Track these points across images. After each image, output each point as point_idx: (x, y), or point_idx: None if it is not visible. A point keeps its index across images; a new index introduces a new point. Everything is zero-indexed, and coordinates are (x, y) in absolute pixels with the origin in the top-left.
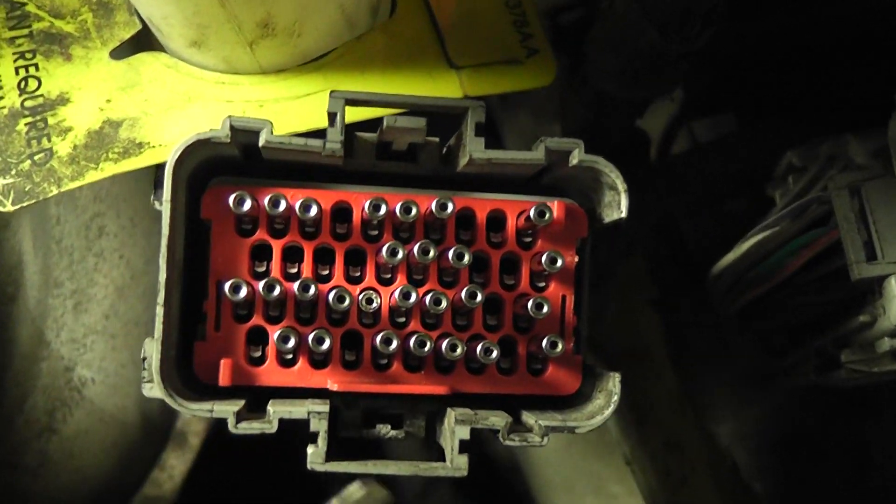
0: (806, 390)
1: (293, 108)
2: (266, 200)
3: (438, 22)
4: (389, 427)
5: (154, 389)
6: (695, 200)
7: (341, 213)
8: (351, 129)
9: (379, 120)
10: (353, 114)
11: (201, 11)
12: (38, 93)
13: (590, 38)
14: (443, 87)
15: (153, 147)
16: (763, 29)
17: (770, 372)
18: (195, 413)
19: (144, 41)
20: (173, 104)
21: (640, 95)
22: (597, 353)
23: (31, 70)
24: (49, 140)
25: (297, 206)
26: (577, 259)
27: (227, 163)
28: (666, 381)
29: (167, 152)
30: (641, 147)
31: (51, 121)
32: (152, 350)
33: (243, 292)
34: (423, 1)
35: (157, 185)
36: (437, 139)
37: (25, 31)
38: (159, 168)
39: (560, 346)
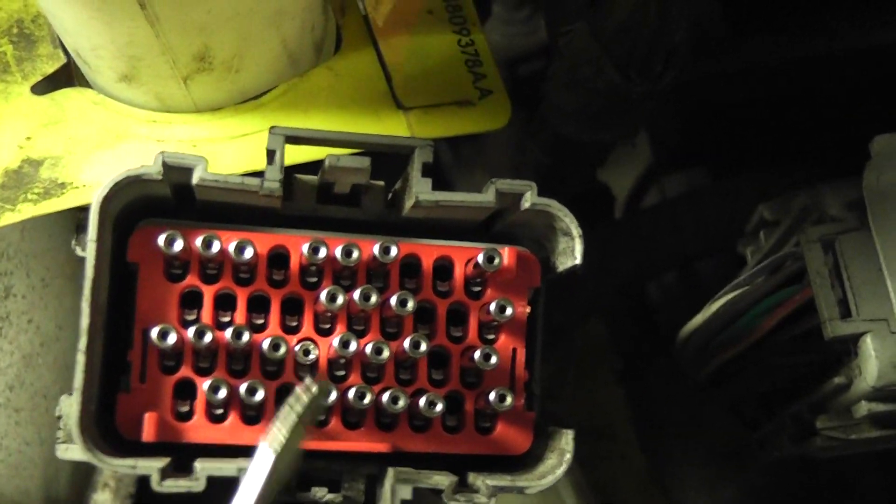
0: (782, 468)
1: (229, 149)
2: (199, 241)
3: (386, 60)
4: (326, 491)
5: (70, 450)
6: (661, 260)
7: (278, 258)
8: (291, 172)
9: (321, 163)
10: (294, 156)
11: (135, 42)
12: None
13: (548, 75)
14: (390, 129)
15: (76, 188)
16: (730, 72)
17: (744, 447)
18: (117, 469)
19: (68, 76)
20: (100, 143)
21: (601, 138)
22: (549, 414)
23: None
24: None
25: (231, 249)
26: (529, 310)
27: (157, 204)
28: (632, 461)
29: (91, 194)
30: (603, 200)
31: None
32: (70, 405)
33: (171, 339)
34: (371, 38)
35: (80, 229)
36: (382, 183)
37: None
38: (82, 211)
39: (509, 400)
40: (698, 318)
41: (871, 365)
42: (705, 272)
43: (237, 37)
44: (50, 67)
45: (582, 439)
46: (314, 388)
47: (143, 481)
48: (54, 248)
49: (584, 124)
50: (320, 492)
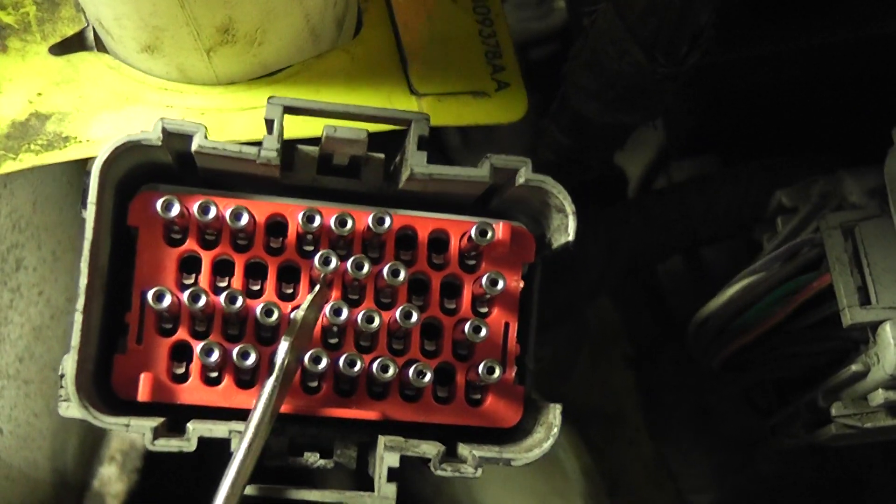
0: (791, 457)
1: (236, 120)
2: (196, 207)
3: (404, 45)
4: (318, 456)
5: (70, 408)
6: (672, 243)
7: (276, 226)
8: (294, 144)
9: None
10: (298, 130)
11: (159, 12)
12: None
13: (570, 55)
14: None
15: (79, 142)
16: (752, 57)
17: (755, 436)
18: (111, 426)
19: (88, 41)
20: (108, 104)
21: (623, 120)
22: (543, 389)
23: None
24: None
25: (227, 215)
26: (522, 284)
27: (159, 171)
28: (641, 447)
29: (94, 148)
30: (619, 184)
31: None
32: (69, 364)
33: (167, 301)
34: (391, 22)
35: (86, 192)
36: (381, 155)
37: None
38: (87, 173)
39: (497, 373)
40: (713, 304)
41: (890, 353)
42: (717, 259)
43: (261, 9)
44: (70, 30)
45: (591, 424)
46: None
47: (149, 455)
48: (65, 221)
49: (607, 105)
50: (312, 457)
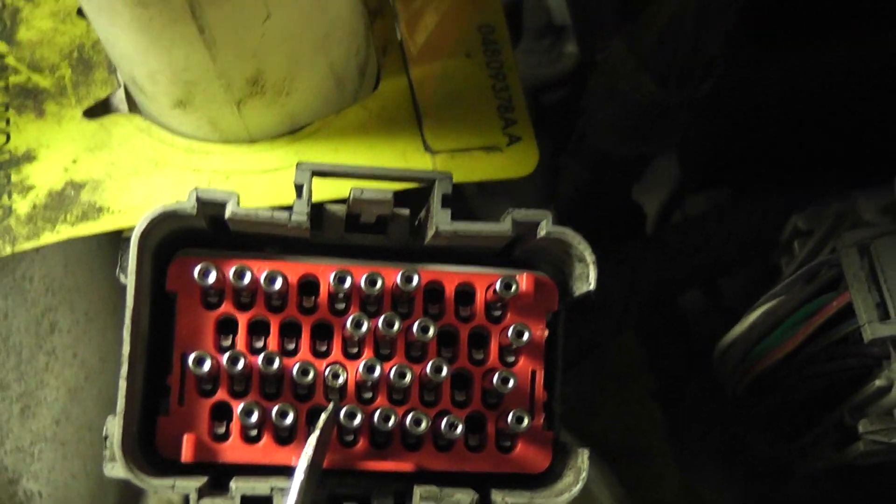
0: (822, 482)
1: (260, 182)
2: (231, 272)
3: (419, 102)
4: None
5: (116, 468)
6: (692, 274)
7: (308, 286)
8: (321, 204)
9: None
10: (324, 192)
11: (191, 67)
12: (5, 147)
13: (587, 90)
14: None
15: (112, 213)
16: (760, 79)
17: (783, 464)
18: (157, 489)
19: (120, 104)
20: (139, 169)
21: (640, 150)
22: (570, 427)
23: (1, 125)
24: (10, 197)
25: (262, 279)
26: (547, 333)
27: (194, 234)
28: (669, 481)
29: (126, 218)
30: (637, 219)
31: (14, 178)
32: (114, 427)
33: (207, 365)
34: (407, 79)
35: (123, 257)
36: (406, 211)
37: (1, 84)
38: (124, 241)
39: (526, 422)
40: (736, 330)
41: None
42: (735, 289)
43: (288, 59)
44: (104, 92)
45: (620, 459)
46: (329, 406)
47: None
48: (96, 282)
49: (624, 137)
50: None
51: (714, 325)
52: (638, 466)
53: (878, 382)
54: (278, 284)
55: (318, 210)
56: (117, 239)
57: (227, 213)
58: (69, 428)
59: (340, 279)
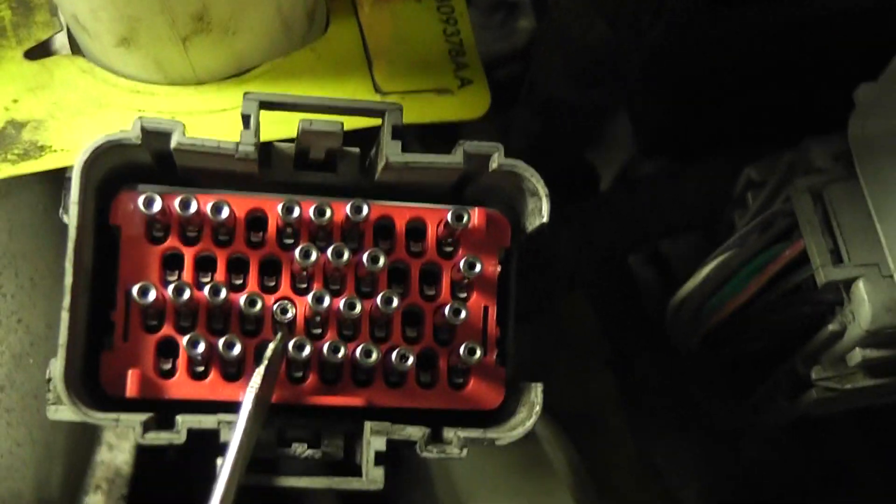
0: (778, 443)
1: (207, 122)
2: (177, 202)
3: (369, 45)
4: (306, 446)
5: (59, 410)
6: (640, 234)
7: (256, 221)
8: (269, 143)
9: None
10: (274, 131)
11: (134, 1)
12: None
13: (536, 37)
14: None
15: (55, 151)
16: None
17: (738, 424)
18: (101, 422)
19: (62, 45)
20: (82, 110)
21: (591, 97)
22: (524, 372)
23: None
24: None
25: (208, 209)
26: (499, 269)
27: (140, 172)
28: (624, 448)
29: (69, 157)
30: (589, 180)
31: None
32: (56, 366)
33: (152, 296)
34: (357, 22)
35: (66, 196)
36: (356, 150)
37: None
38: (67, 179)
39: (478, 354)
40: (689, 284)
41: (864, 308)
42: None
43: None
44: (45, 34)
45: (573, 427)
46: (276, 337)
47: (136, 481)
48: (42, 247)
49: (575, 82)
50: (300, 447)
51: (663, 289)
52: (592, 433)
53: (830, 327)
54: (225, 213)
55: (266, 148)
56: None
57: (173, 143)
58: (13, 395)
59: (288, 209)
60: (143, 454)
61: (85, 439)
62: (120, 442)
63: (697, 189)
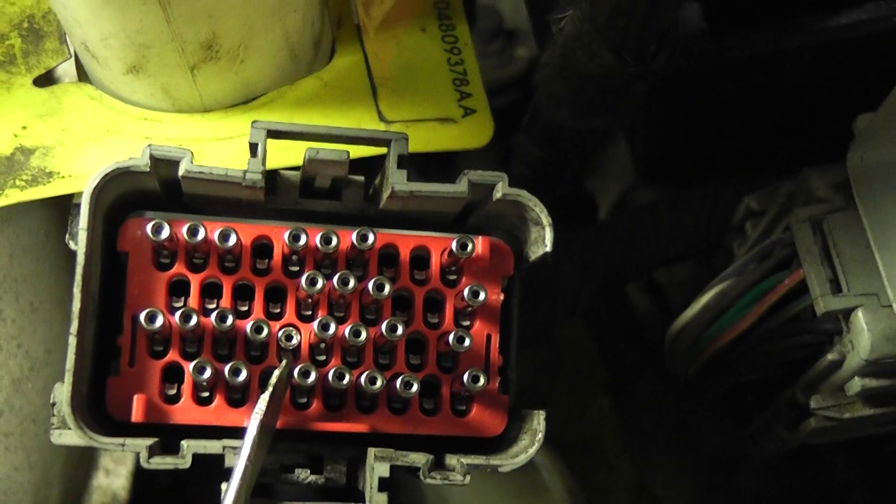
0: (774, 473)
1: (215, 150)
2: (185, 229)
3: (374, 73)
4: (309, 472)
5: (63, 435)
6: (640, 261)
7: (262, 249)
8: (275, 171)
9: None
10: (280, 158)
11: (145, 29)
12: None
13: (540, 64)
14: None
15: (62, 178)
16: (715, 66)
17: (735, 452)
18: (106, 447)
19: (71, 73)
20: (91, 136)
21: (594, 125)
22: (525, 399)
23: None
24: None
25: (215, 236)
26: (502, 297)
27: (147, 199)
28: (621, 473)
29: (76, 184)
30: (590, 208)
31: None
32: (62, 391)
33: (159, 322)
34: (362, 51)
35: (72, 223)
36: (361, 178)
37: None
38: (74, 206)
39: (482, 381)
40: (688, 313)
41: (863, 338)
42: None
43: (243, 24)
44: (54, 62)
45: (571, 453)
46: (282, 364)
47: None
48: (43, 272)
49: (579, 110)
50: (303, 473)
51: (659, 318)
52: (589, 460)
53: (829, 356)
54: (232, 241)
55: (272, 176)
56: (65, 228)
57: (181, 171)
58: (12, 419)
59: (295, 237)
60: (138, 480)
61: (82, 464)
62: (117, 467)
63: (696, 217)
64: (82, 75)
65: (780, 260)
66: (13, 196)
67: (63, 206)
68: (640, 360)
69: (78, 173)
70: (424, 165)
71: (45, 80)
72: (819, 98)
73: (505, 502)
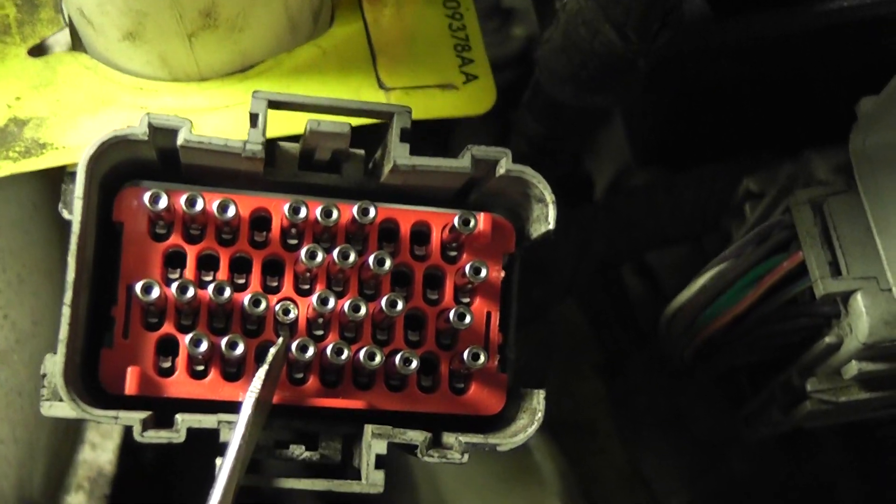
0: (766, 457)
1: (212, 119)
2: (182, 199)
3: (373, 39)
4: (304, 448)
5: (55, 407)
6: (637, 241)
7: (260, 221)
8: (274, 141)
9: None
10: (279, 128)
11: None
12: None
13: (542, 41)
14: None
15: (56, 149)
16: (715, 48)
17: (727, 435)
18: (99, 419)
19: (66, 42)
20: (85, 107)
21: (595, 102)
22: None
23: None
24: None
25: (214, 207)
26: (503, 274)
27: (144, 169)
28: (612, 455)
29: (70, 155)
30: (587, 188)
31: None
32: (54, 363)
33: (155, 293)
34: (361, 17)
35: (66, 192)
36: (361, 151)
37: None
38: (69, 175)
39: (482, 359)
40: (684, 295)
41: (862, 321)
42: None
43: None
44: (49, 31)
45: (563, 434)
46: (279, 340)
47: (117, 480)
48: (31, 244)
49: (580, 87)
50: (298, 449)
51: (651, 300)
52: (581, 441)
53: (827, 339)
54: (231, 212)
55: (271, 147)
56: (54, 199)
57: (180, 140)
58: None
59: (295, 210)
60: (125, 455)
61: (68, 438)
62: (103, 441)
63: (694, 199)
64: (77, 44)
65: (779, 242)
66: (6, 168)
67: (53, 178)
68: (633, 342)
69: (72, 145)
70: (421, 144)
71: (40, 49)
72: (821, 81)
73: (496, 483)
